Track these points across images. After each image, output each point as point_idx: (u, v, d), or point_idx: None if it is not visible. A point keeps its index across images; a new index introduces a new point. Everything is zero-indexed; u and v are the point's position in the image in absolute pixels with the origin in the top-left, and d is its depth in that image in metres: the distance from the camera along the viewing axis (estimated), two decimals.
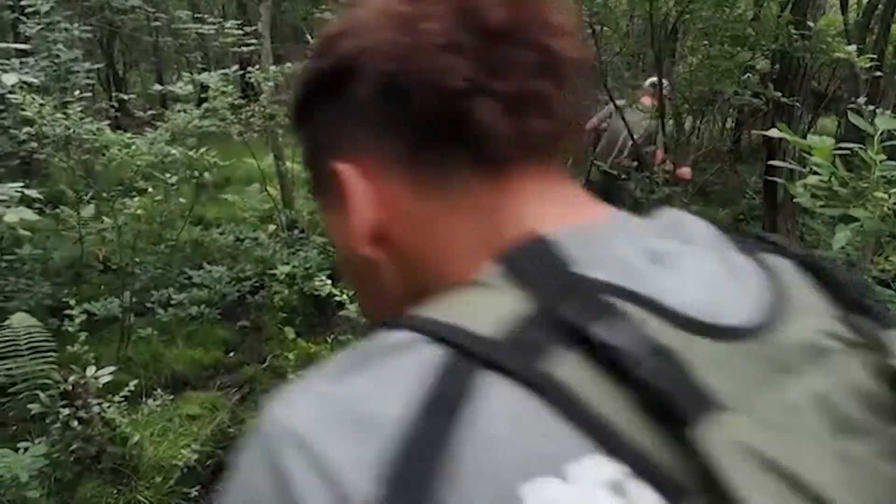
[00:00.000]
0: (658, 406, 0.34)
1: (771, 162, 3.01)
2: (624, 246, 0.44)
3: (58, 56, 5.75)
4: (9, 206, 2.97)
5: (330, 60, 0.51)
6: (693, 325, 0.40)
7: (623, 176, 5.68)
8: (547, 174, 0.51)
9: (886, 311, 0.46)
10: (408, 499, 0.32)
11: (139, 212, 4.96)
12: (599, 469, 0.33)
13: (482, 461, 0.33)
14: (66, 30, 5.95)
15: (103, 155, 5.15)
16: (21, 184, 3.16)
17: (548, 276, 0.40)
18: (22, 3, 5.71)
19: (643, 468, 0.32)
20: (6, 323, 3.60)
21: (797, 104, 4.16)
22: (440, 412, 0.34)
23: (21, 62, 5.30)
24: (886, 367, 0.40)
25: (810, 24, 4.04)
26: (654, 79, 6.19)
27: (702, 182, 8.00)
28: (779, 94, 4.15)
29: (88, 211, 6.11)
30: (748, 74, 5.02)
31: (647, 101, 6.04)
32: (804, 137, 4.26)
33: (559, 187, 0.52)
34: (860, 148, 1.99)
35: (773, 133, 2.03)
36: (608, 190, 6.24)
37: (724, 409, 0.35)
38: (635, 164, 5.90)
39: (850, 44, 3.52)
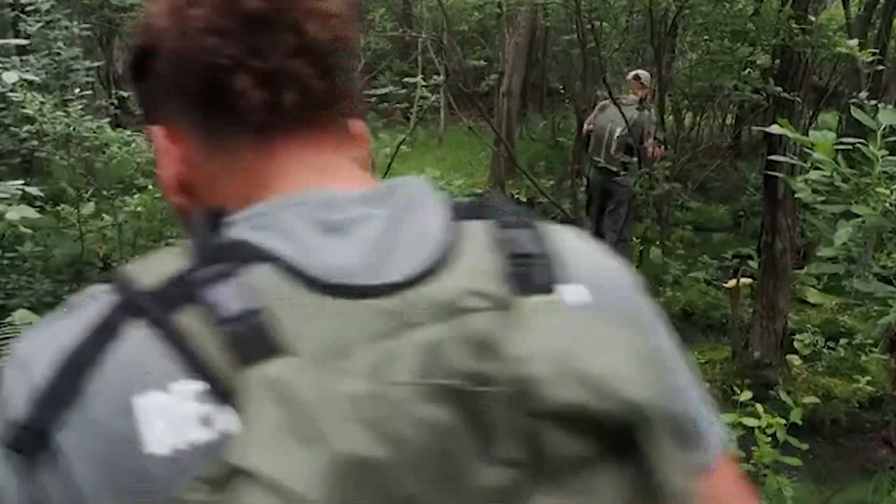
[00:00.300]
0: (238, 349, 0.44)
1: (771, 157, 3.00)
2: (296, 218, 0.50)
3: (58, 54, 5.77)
4: (10, 204, 3.00)
5: (139, 41, 0.61)
6: (321, 285, 0.47)
7: (622, 172, 5.68)
8: (316, 145, 0.57)
9: (549, 276, 0.51)
10: (47, 412, 0.45)
11: (139, 209, 5.00)
12: (191, 386, 0.44)
13: (108, 382, 0.45)
14: (66, 28, 5.97)
15: (104, 153, 5.19)
16: (22, 182, 3.18)
17: (207, 243, 0.49)
18: (22, 1, 5.74)
19: (220, 389, 0.43)
20: (7, 320, 3.61)
21: (798, 99, 4.14)
22: (92, 347, 0.46)
23: (21, 60, 5.33)
24: (473, 332, 0.43)
25: (812, 18, 4.02)
26: (638, 71, 6.20)
27: (702, 178, 8.00)
28: (779, 89, 4.13)
29: (89, 208, 6.15)
30: (748, 70, 5.00)
31: (635, 93, 6.05)
32: (805, 133, 4.25)
33: (324, 157, 0.58)
34: (862, 143, 1.99)
35: (775, 129, 2.02)
36: (608, 190, 6.25)
37: (282, 353, 0.43)
38: (635, 160, 5.90)
39: (851, 38, 3.50)
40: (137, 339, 0.46)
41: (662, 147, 5.91)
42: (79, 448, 0.44)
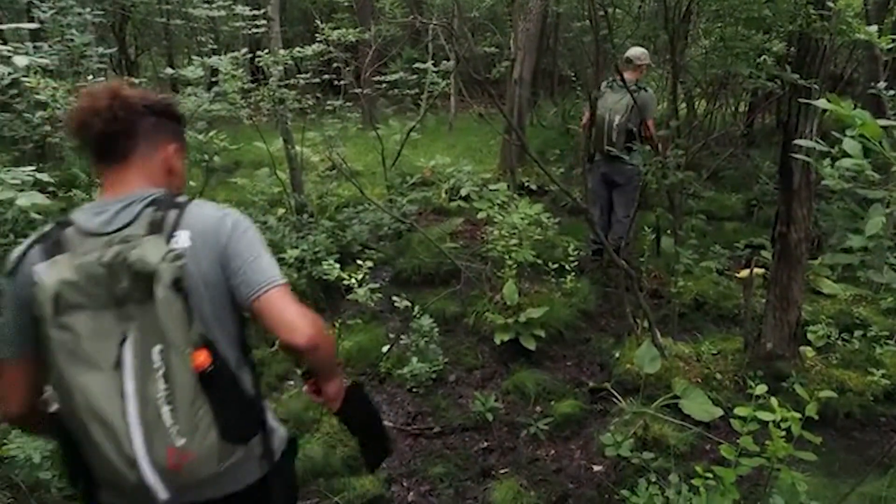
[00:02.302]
0: (53, 251, 1.57)
1: (796, 142, 2.95)
2: (91, 209, 1.63)
3: (71, 40, 5.77)
4: (21, 190, 3.00)
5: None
6: (86, 232, 1.58)
7: (626, 157, 5.64)
8: (121, 171, 1.70)
9: (168, 227, 1.59)
10: (14, 265, 1.63)
11: None
12: (42, 264, 1.55)
13: (25, 259, 1.61)
14: (79, 14, 5.97)
15: None
16: (33, 168, 3.18)
17: (62, 223, 1.63)
18: None
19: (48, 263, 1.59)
20: None
21: (815, 87, 4.08)
22: (27, 248, 1.63)
23: (35, 46, 5.32)
24: (120, 248, 1.52)
25: (830, 4, 3.95)
26: (629, 53, 6.15)
27: (714, 167, 7.95)
28: (796, 76, 4.07)
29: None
30: (764, 57, 4.95)
31: (629, 76, 6.00)
32: (821, 122, 4.22)
33: (122, 178, 1.69)
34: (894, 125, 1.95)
35: (821, 104, 1.95)
36: (612, 181, 6.22)
37: (54, 257, 1.53)
38: (646, 147, 5.86)
39: (869, 24, 3.44)
40: (34, 249, 1.59)
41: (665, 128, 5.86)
42: (18, 277, 1.59)
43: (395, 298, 4.76)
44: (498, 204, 5.61)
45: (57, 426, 1.59)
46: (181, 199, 1.67)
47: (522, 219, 5.30)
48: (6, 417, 1.75)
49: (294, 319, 1.60)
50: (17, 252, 1.61)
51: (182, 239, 1.57)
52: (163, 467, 1.46)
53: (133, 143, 1.69)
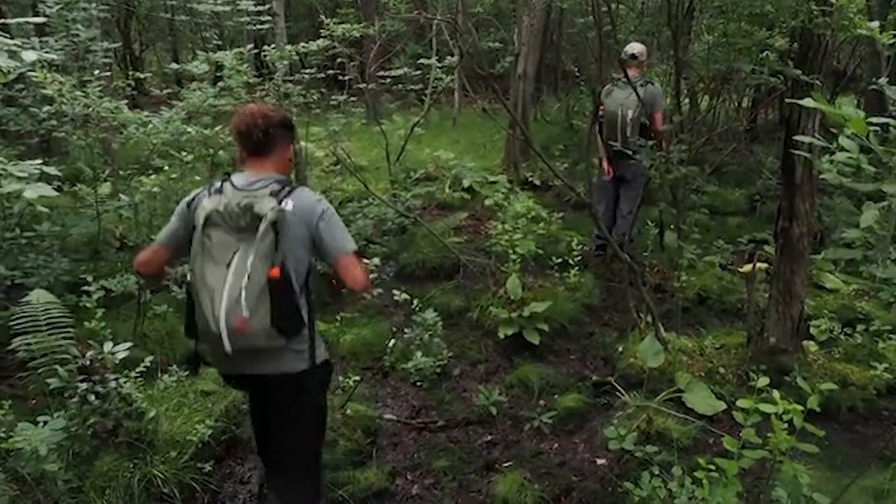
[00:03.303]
0: (213, 190, 2.59)
1: (795, 137, 2.98)
2: (241, 177, 2.62)
3: (76, 35, 5.79)
4: (28, 183, 3.02)
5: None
6: (235, 187, 2.56)
7: (635, 153, 5.66)
8: (262, 162, 2.67)
9: (280, 198, 2.54)
10: (191, 199, 2.72)
11: (155, 190, 5.02)
12: (207, 198, 2.57)
13: (199, 196, 2.65)
14: (84, 9, 5.99)
15: (121, 133, 5.21)
16: (40, 161, 3.20)
17: (224, 178, 2.64)
18: None
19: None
20: (26, 299, 3.65)
21: (817, 83, 4.09)
22: (200, 193, 2.68)
23: (41, 41, 5.34)
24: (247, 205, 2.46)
25: (832, 0, 3.96)
26: (633, 51, 6.15)
27: (717, 162, 7.95)
28: (798, 72, 4.08)
29: (106, 188, 6.18)
30: (766, 53, 4.95)
31: (634, 72, 6.01)
32: (823, 117, 4.23)
33: (262, 165, 2.66)
34: (889, 121, 1.97)
35: (807, 102, 1.98)
36: (621, 177, 6.24)
37: (214, 196, 2.54)
38: (650, 143, 5.88)
39: (871, 21, 3.45)
40: (205, 191, 2.62)
41: (668, 122, 5.87)
42: (192, 204, 2.63)
43: (394, 292, 4.77)
44: (501, 194, 5.61)
45: (187, 291, 2.59)
46: (294, 185, 2.65)
47: (524, 209, 5.31)
48: (143, 271, 2.82)
49: (357, 275, 2.59)
50: (197, 191, 2.69)
51: (288, 205, 2.52)
52: (231, 327, 2.40)
53: (272, 146, 2.68)
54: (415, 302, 4.73)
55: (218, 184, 2.60)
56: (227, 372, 2.72)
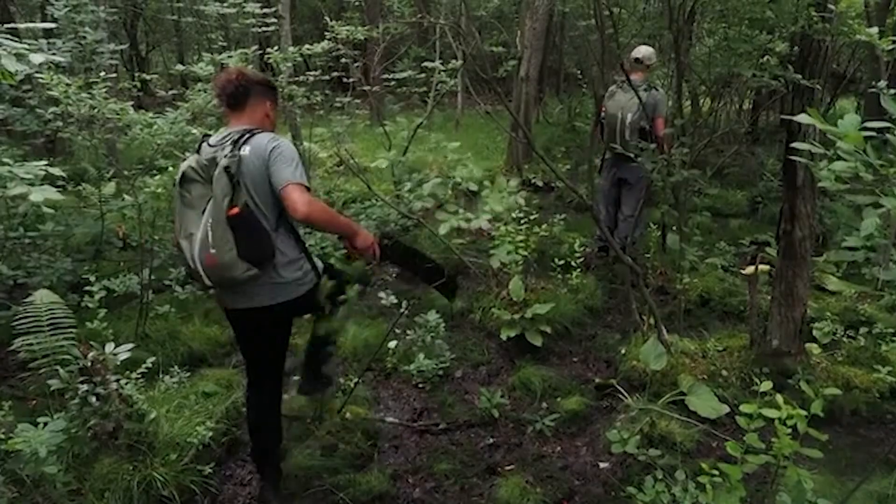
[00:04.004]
0: (199, 147, 2.99)
1: (794, 144, 2.98)
2: (218, 135, 2.96)
3: (84, 37, 5.81)
4: (33, 184, 3.02)
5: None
6: (209, 144, 2.97)
7: (637, 156, 5.67)
8: (239, 116, 3.00)
9: (240, 144, 2.90)
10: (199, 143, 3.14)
11: (159, 190, 5.02)
12: (197, 154, 2.96)
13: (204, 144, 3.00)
14: (92, 11, 6.01)
15: (126, 134, 5.21)
16: (45, 162, 3.21)
17: (204, 138, 3.01)
18: None
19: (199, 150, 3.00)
20: (29, 299, 3.65)
21: (817, 87, 4.10)
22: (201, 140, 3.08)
23: (48, 43, 5.36)
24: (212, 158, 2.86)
25: (831, 6, 3.98)
26: (639, 54, 6.15)
27: (719, 164, 7.96)
28: (799, 76, 4.09)
29: (110, 189, 6.19)
30: (767, 57, 4.96)
31: (638, 76, 6.02)
32: (824, 120, 4.23)
33: (238, 119, 2.99)
34: (887, 131, 1.97)
35: (802, 118, 2.00)
36: (623, 180, 6.25)
37: (191, 157, 2.95)
38: (653, 146, 5.88)
39: (871, 26, 3.46)
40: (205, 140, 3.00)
41: (670, 126, 5.88)
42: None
43: (381, 296, 4.75)
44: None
45: (178, 245, 2.93)
46: (257, 131, 2.92)
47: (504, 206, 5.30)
48: (174, 242, 3.28)
49: (295, 203, 2.74)
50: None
51: (245, 150, 2.84)
52: (204, 264, 2.80)
53: (246, 100, 2.99)
54: (403, 304, 4.70)
55: (198, 144, 2.99)
56: (226, 306, 3.10)
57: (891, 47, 3.51)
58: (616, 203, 6.39)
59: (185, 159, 2.97)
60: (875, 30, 3.12)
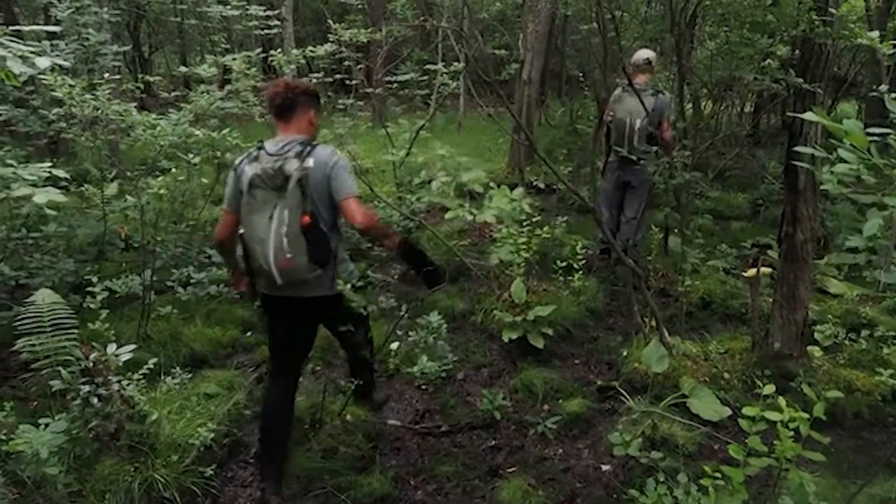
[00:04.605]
0: (250, 159, 3.21)
1: (796, 148, 3.00)
2: (272, 143, 3.22)
3: (87, 39, 5.82)
4: (36, 186, 3.03)
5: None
6: (268, 152, 3.15)
7: (640, 160, 5.68)
8: (287, 125, 3.28)
9: (304, 156, 3.15)
10: (239, 164, 3.31)
11: (162, 191, 5.04)
12: (248, 163, 3.19)
13: (239, 163, 3.28)
14: (95, 13, 6.02)
15: (129, 135, 5.22)
16: (48, 163, 3.21)
17: (259, 146, 3.23)
18: None
19: (252, 163, 3.20)
20: (31, 299, 3.65)
21: (819, 90, 4.10)
22: (243, 159, 3.27)
23: (52, 45, 5.37)
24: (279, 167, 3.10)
25: (832, 10, 3.99)
26: (647, 56, 6.15)
27: (721, 167, 7.96)
28: (800, 80, 4.10)
29: (112, 189, 6.20)
30: (768, 60, 4.97)
31: (640, 79, 6.02)
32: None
33: (287, 129, 3.28)
34: (888, 133, 1.97)
35: (808, 116, 1.99)
36: (627, 183, 6.25)
37: (253, 163, 3.16)
38: (654, 149, 5.89)
39: (872, 30, 3.47)
40: (245, 159, 3.22)
41: (672, 129, 5.89)
42: (238, 171, 3.24)
43: (381, 299, 4.76)
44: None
45: (242, 242, 3.22)
46: (314, 143, 3.24)
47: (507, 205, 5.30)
48: (222, 239, 3.44)
49: (354, 213, 3.12)
50: (239, 159, 3.28)
51: (310, 162, 3.10)
52: (279, 266, 3.11)
53: (294, 109, 3.27)
54: (403, 307, 4.69)
55: (255, 152, 3.20)
56: (276, 294, 3.34)
57: (891, 51, 3.52)
58: (619, 206, 6.39)
59: (242, 163, 3.24)
60: (876, 34, 3.13)
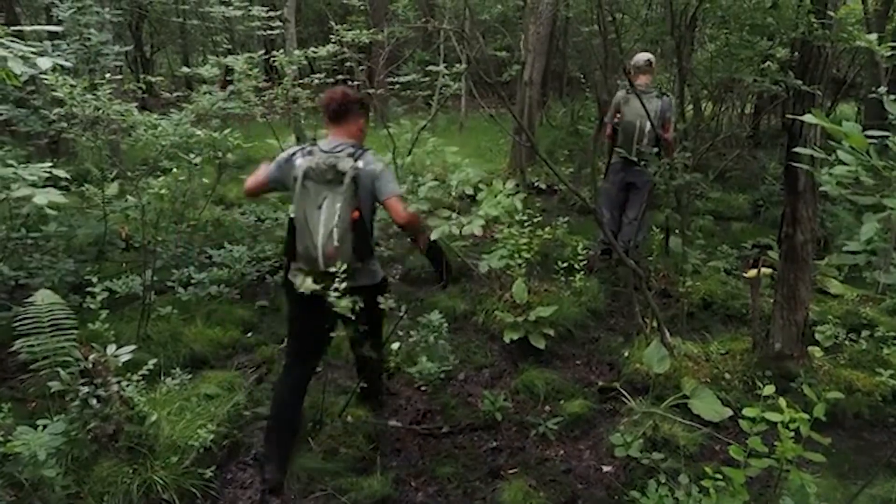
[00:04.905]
0: (303, 154, 3.54)
1: (795, 149, 3.00)
2: (325, 142, 3.55)
3: (89, 39, 5.82)
4: (36, 185, 3.02)
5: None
6: (322, 150, 3.48)
7: (642, 162, 5.69)
8: (339, 129, 3.60)
9: (355, 158, 3.47)
10: (286, 155, 3.68)
11: (163, 191, 5.03)
12: (300, 155, 3.53)
13: (289, 154, 3.63)
14: (97, 13, 6.02)
15: (130, 135, 5.22)
16: (49, 164, 3.20)
17: (312, 143, 3.58)
18: None
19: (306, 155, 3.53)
20: (30, 300, 3.63)
21: (818, 92, 4.11)
22: (294, 151, 3.61)
23: (53, 45, 5.37)
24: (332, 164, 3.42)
25: (831, 13, 4.00)
26: (648, 57, 6.16)
27: (721, 168, 7.96)
28: (799, 82, 4.10)
29: (113, 189, 6.20)
30: (768, 62, 4.98)
31: (641, 80, 6.03)
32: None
33: (339, 132, 3.59)
34: (887, 135, 1.97)
35: (808, 118, 1.99)
36: (631, 184, 6.25)
37: (306, 157, 3.49)
38: (655, 150, 5.89)
39: (870, 32, 3.48)
40: (298, 152, 3.55)
41: (674, 130, 5.91)
42: (289, 161, 3.56)
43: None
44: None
45: (290, 224, 3.52)
46: (364, 148, 3.55)
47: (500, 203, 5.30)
48: (250, 191, 3.85)
49: (399, 211, 3.43)
50: (289, 151, 3.63)
51: (360, 164, 3.41)
52: (325, 253, 3.36)
53: (345, 115, 3.59)
54: (403, 308, 4.69)
55: (308, 147, 3.55)
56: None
57: (889, 53, 3.52)
58: (621, 207, 6.39)
59: (295, 155, 3.55)
60: (874, 36, 3.13)
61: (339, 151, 3.44)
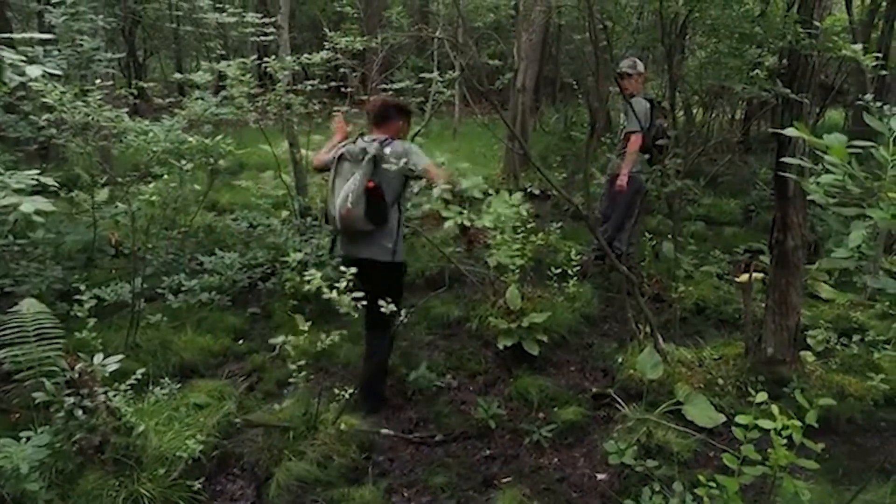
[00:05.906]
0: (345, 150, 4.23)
1: (782, 159, 3.01)
2: (369, 136, 4.22)
3: (80, 45, 5.79)
4: (23, 192, 2.99)
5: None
6: (364, 141, 4.18)
7: (636, 169, 5.71)
8: (380, 129, 4.26)
9: (384, 146, 4.11)
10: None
11: (154, 197, 4.99)
12: (349, 146, 4.23)
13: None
14: (90, 20, 5.99)
15: (121, 141, 5.19)
16: (37, 170, 3.17)
17: (355, 140, 4.25)
18: None
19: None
20: (15, 309, 3.56)
21: (806, 100, 4.15)
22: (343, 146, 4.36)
23: (45, 51, 5.34)
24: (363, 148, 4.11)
25: (817, 23, 4.04)
26: (636, 64, 6.21)
27: (712, 173, 7.98)
28: (787, 90, 4.14)
29: (103, 195, 6.16)
30: (757, 70, 5.01)
31: (629, 85, 6.07)
32: (813, 131, 4.25)
33: (380, 131, 4.25)
34: (872, 146, 1.97)
35: (790, 132, 2.01)
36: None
37: (353, 144, 4.21)
38: (647, 156, 5.90)
39: (855, 41, 3.50)
40: (346, 144, 4.28)
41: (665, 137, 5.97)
42: (337, 147, 4.34)
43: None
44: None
45: (327, 196, 4.20)
46: (394, 140, 4.16)
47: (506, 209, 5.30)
48: (319, 166, 4.54)
49: (436, 174, 3.92)
50: (342, 144, 4.28)
51: (387, 149, 4.02)
52: (341, 213, 3.98)
53: (385, 119, 4.23)
54: (403, 313, 4.67)
55: (353, 139, 4.21)
56: (346, 254, 4.21)
57: (874, 63, 3.53)
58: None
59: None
60: (859, 46, 3.15)
61: (373, 142, 4.09)
